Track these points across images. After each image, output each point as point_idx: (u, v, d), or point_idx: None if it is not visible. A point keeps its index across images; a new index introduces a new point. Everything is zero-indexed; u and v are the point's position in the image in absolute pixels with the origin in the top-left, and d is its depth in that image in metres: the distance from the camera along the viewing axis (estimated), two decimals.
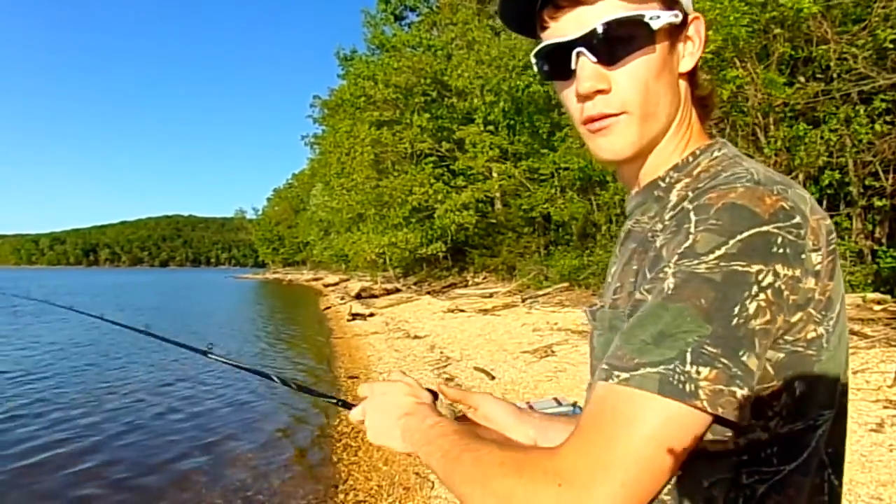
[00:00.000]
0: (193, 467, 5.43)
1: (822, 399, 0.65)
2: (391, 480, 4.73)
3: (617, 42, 0.68)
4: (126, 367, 10.25)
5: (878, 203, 9.19)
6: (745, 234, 0.58)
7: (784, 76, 9.31)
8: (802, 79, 9.71)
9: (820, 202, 10.13)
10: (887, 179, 9.28)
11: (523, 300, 14.44)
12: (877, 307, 7.44)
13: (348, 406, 1.03)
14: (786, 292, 0.59)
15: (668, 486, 0.62)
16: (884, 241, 9.55)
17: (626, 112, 0.69)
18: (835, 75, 9.12)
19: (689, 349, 0.57)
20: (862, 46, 8.60)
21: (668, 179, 0.74)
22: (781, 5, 8.29)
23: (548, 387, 6.87)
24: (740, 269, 0.58)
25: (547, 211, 17.59)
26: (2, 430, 6.53)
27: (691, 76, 0.75)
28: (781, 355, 0.62)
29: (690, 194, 0.66)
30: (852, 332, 6.54)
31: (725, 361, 0.57)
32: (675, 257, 0.61)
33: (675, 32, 0.70)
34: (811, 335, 0.63)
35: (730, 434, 0.61)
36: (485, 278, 21.46)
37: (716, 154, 0.73)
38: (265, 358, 11.56)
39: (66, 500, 4.75)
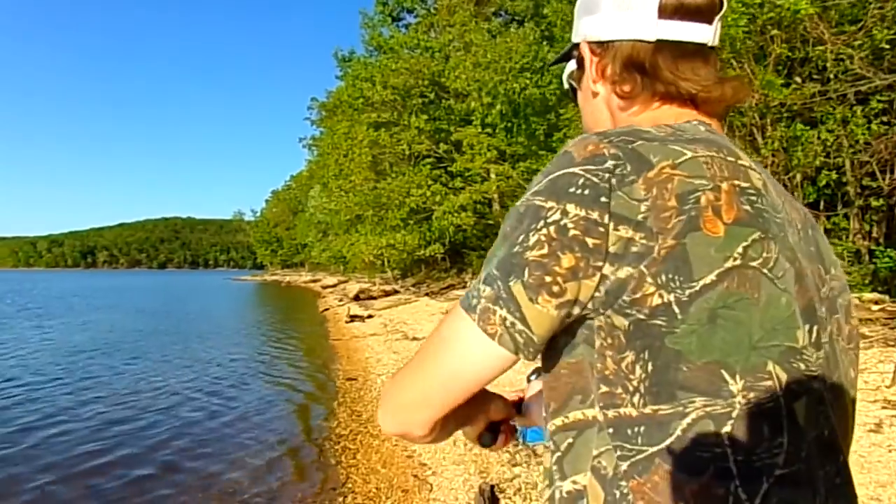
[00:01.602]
0: (189, 469, 5.42)
1: (690, 383, 0.59)
2: (390, 483, 4.72)
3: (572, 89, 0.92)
4: (126, 369, 10.22)
5: (875, 203, 9.21)
6: (555, 174, 0.64)
7: (781, 77, 9.33)
8: (799, 79, 9.72)
9: (817, 202, 10.25)
10: (884, 179, 9.30)
11: None
12: (874, 307, 7.45)
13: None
14: (573, 231, 0.60)
15: (571, 454, 0.67)
16: (881, 240, 9.57)
17: None
18: (832, 76, 9.14)
19: (486, 270, 0.66)
20: (858, 47, 8.61)
21: None
22: (778, 6, 8.30)
23: None
24: (538, 202, 0.63)
25: None
26: None
27: (607, 80, 0.81)
28: (626, 322, 0.60)
29: None
30: None
31: (499, 284, 0.63)
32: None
33: (580, 72, 0.85)
34: (655, 302, 0.58)
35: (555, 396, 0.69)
36: None
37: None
38: (263, 360, 11.54)
39: (59, 500, 4.73)
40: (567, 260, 0.60)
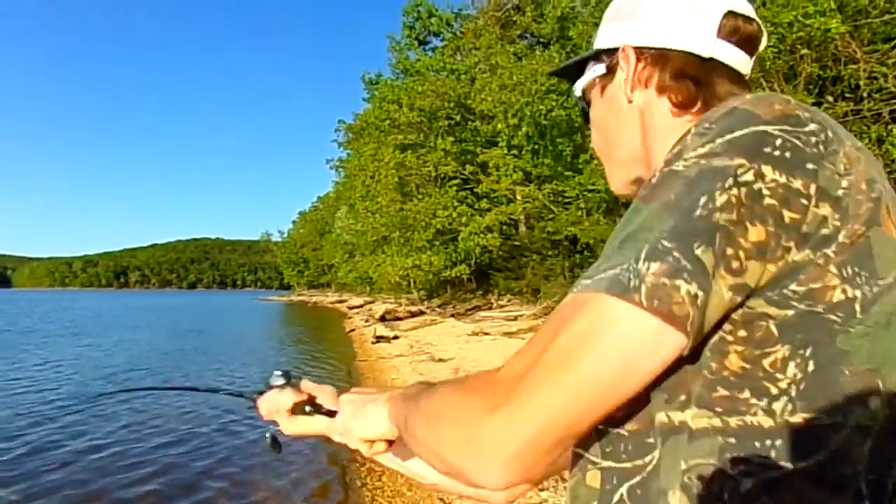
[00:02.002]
0: (215, 489, 5.44)
1: (852, 390, 0.52)
2: None
3: (583, 112, 0.89)
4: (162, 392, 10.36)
5: None
6: (737, 133, 0.53)
7: (812, 96, 9.21)
8: (831, 98, 9.58)
9: None
10: None
11: None
12: None
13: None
14: (769, 200, 0.51)
15: (642, 463, 0.56)
16: None
17: (598, 159, 0.87)
18: (864, 94, 8.99)
19: (646, 246, 0.52)
20: (893, 65, 8.47)
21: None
22: (808, 25, 8.21)
23: None
24: (719, 163, 0.52)
25: (573, 233, 17.51)
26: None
27: (658, 90, 0.75)
28: (790, 312, 0.51)
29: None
30: None
31: (677, 254, 0.50)
32: (662, 165, 0.57)
33: (605, 79, 0.80)
34: (837, 296, 0.51)
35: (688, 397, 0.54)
36: (509, 301, 21.36)
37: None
38: None
39: None
40: (756, 233, 0.50)
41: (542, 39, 22.67)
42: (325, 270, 68.06)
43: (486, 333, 14.42)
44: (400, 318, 22.72)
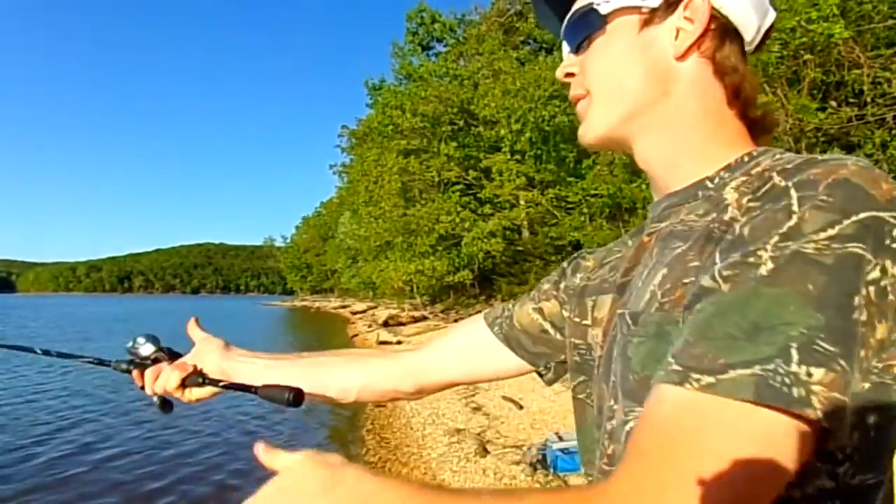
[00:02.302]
0: (207, 494, 5.44)
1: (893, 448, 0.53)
2: None
3: (578, 30, 0.73)
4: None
5: None
6: (861, 216, 0.49)
7: (816, 101, 9.19)
8: (834, 103, 9.56)
9: None
10: None
11: None
12: None
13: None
14: (891, 297, 0.49)
15: None
16: None
17: (588, 93, 0.73)
18: (868, 100, 8.97)
19: (795, 344, 0.46)
20: None
21: (717, 180, 0.66)
22: (811, 31, 8.21)
23: None
24: (858, 251, 0.48)
25: (576, 238, 17.49)
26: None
27: (716, 68, 0.68)
28: (867, 385, 0.50)
29: (776, 176, 0.56)
30: None
31: (843, 364, 0.46)
32: (775, 238, 0.50)
33: (652, 14, 0.68)
34: None
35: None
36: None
37: (779, 156, 0.63)
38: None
39: None
40: (881, 330, 0.49)
41: (544, 45, 22.73)
42: (328, 276, 68.16)
43: None
44: (403, 324, 22.73)
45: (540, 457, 5.13)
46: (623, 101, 0.70)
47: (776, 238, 0.50)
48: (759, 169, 0.62)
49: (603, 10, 0.70)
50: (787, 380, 0.45)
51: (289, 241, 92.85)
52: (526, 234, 22.23)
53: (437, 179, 24.33)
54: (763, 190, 0.56)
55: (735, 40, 0.68)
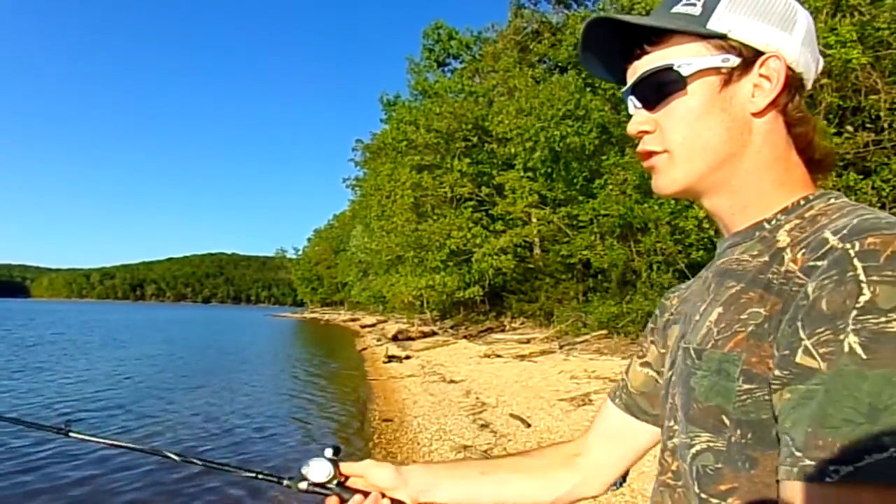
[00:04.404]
0: None
1: None
2: None
3: (654, 89, 0.75)
4: (184, 405, 10.38)
5: None
6: None
7: (832, 126, 9.16)
8: (851, 128, 9.53)
9: None
10: None
11: (561, 347, 14.22)
12: None
13: (276, 480, 0.97)
14: None
15: None
16: None
17: (667, 151, 0.75)
18: (886, 125, 8.93)
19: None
20: None
21: (774, 221, 0.71)
22: (829, 56, 8.21)
23: None
24: None
25: (586, 257, 17.45)
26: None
27: (787, 119, 0.73)
28: None
29: (832, 237, 0.59)
30: None
31: None
32: (854, 313, 0.52)
33: (731, 74, 0.71)
34: None
35: None
36: (522, 324, 21.25)
37: (832, 201, 0.69)
38: (302, 398, 11.57)
39: None
40: None
41: (559, 64, 22.84)
42: (338, 288, 68.22)
43: (499, 356, 14.33)
44: (412, 338, 22.66)
45: None
46: (705, 158, 0.73)
47: (854, 313, 0.52)
48: (812, 212, 0.68)
49: (685, 71, 0.72)
50: None
51: (300, 253, 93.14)
52: (537, 251, 22.20)
53: (449, 195, 24.38)
54: (822, 251, 0.59)
55: (801, 91, 0.74)
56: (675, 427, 0.73)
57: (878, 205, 8.88)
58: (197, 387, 12.33)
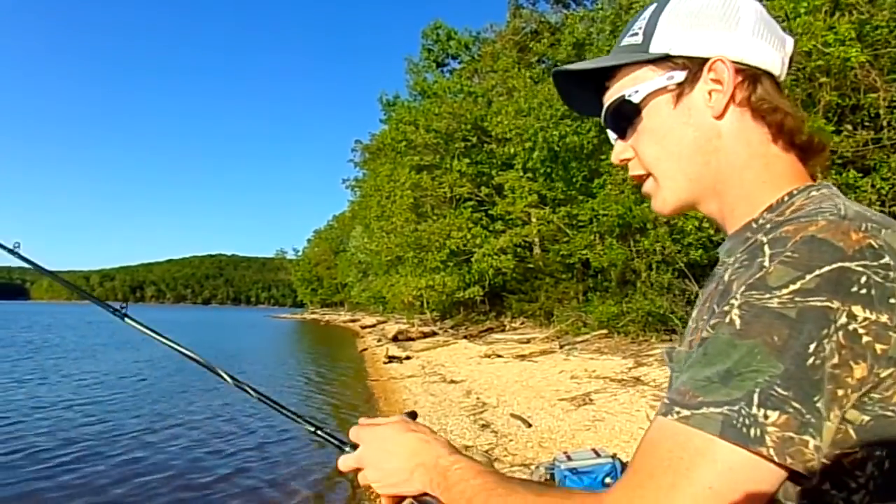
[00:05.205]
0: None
1: None
2: None
3: (618, 119, 0.79)
4: (186, 407, 10.39)
5: None
6: (825, 268, 0.54)
7: (831, 124, 9.16)
8: (850, 126, 9.52)
9: None
10: None
11: (561, 346, 14.20)
12: None
13: (338, 444, 0.92)
14: (865, 338, 0.54)
15: None
16: None
17: (651, 174, 0.79)
18: (885, 123, 8.93)
19: (758, 390, 0.53)
20: None
21: (760, 220, 0.71)
22: (827, 54, 8.20)
23: (585, 436, 6.68)
24: (818, 304, 0.54)
25: (586, 257, 17.44)
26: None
27: (756, 111, 0.73)
28: (866, 418, 0.56)
29: (768, 227, 0.64)
30: None
31: (797, 406, 0.53)
32: (744, 289, 0.58)
33: (681, 88, 0.74)
34: None
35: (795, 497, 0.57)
36: (522, 323, 21.24)
37: (812, 193, 0.69)
38: (301, 399, 11.57)
39: None
40: (859, 370, 0.54)
41: (558, 64, 22.80)
42: (338, 289, 68.23)
43: (499, 356, 14.33)
44: (412, 339, 22.66)
45: (548, 476, 5.08)
46: (683, 171, 0.75)
47: (744, 289, 0.58)
48: (792, 209, 0.69)
49: (635, 99, 0.76)
50: (747, 420, 0.53)
51: (300, 254, 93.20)
52: (537, 251, 22.18)
53: (449, 195, 24.37)
54: (750, 242, 0.65)
55: (766, 79, 0.73)
56: None
57: (878, 203, 8.88)
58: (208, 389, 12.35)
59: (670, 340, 11.21)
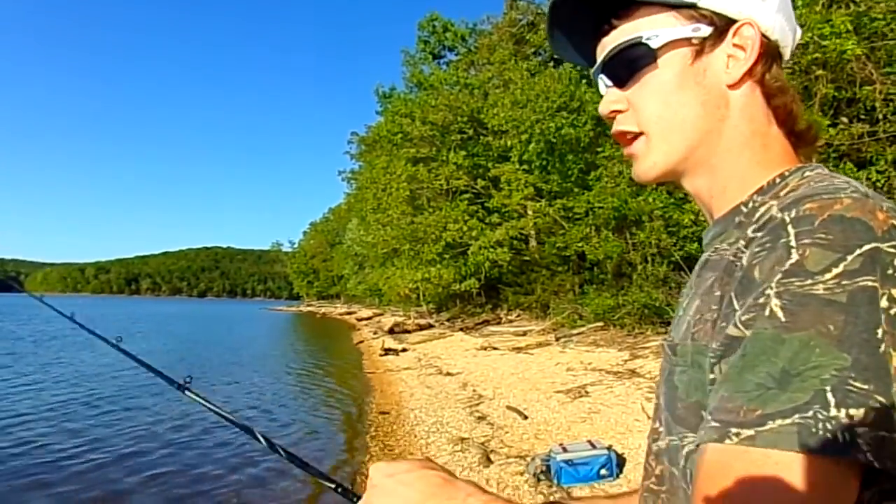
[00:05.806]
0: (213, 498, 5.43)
1: None
2: None
3: (624, 64, 0.71)
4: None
5: None
6: (865, 247, 0.49)
7: (827, 117, 9.17)
8: (846, 120, 9.54)
9: None
10: None
11: (557, 339, 14.24)
12: None
13: (349, 496, 0.89)
14: None
15: None
16: None
17: (643, 132, 0.71)
18: (881, 116, 8.94)
19: (829, 388, 0.46)
20: None
21: (751, 204, 0.66)
22: (824, 47, 8.20)
23: (581, 428, 6.71)
24: (868, 284, 0.48)
25: (582, 249, 17.47)
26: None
27: (765, 90, 0.69)
28: None
29: (775, 208, 0.57)
30: None
31: (881, 399, 0.45)
32: (780, 276, 0.51)
33: (702, 44, 0.68)
34: None
35: None
36: (518, 316, 21.29)
37: (807, 174, 0.64)
38: (297, 391, 11.58)
39: None
40: None
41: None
42: (334, 282, 68.21)
43: (495, 348, 14.36)
44: (408, 331, 22.68)
45: (544, 468, 5.09)
46: (683, 136, 0.69)
47: (779, 277, 0.51)
48: (786, 191, 0.63)
49: (654, 44, 0.68)
50: (828, 426, 0.45)
51: (296, 246, 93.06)
52: (533, 243, 22.20)
53: (445, 188, 24.35)
54: (763, 222, 0.57)
55: (778, 60, 0.70)
56: (660, 429, 0.68)
57: None
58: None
59: (666, 333, 11.24)
